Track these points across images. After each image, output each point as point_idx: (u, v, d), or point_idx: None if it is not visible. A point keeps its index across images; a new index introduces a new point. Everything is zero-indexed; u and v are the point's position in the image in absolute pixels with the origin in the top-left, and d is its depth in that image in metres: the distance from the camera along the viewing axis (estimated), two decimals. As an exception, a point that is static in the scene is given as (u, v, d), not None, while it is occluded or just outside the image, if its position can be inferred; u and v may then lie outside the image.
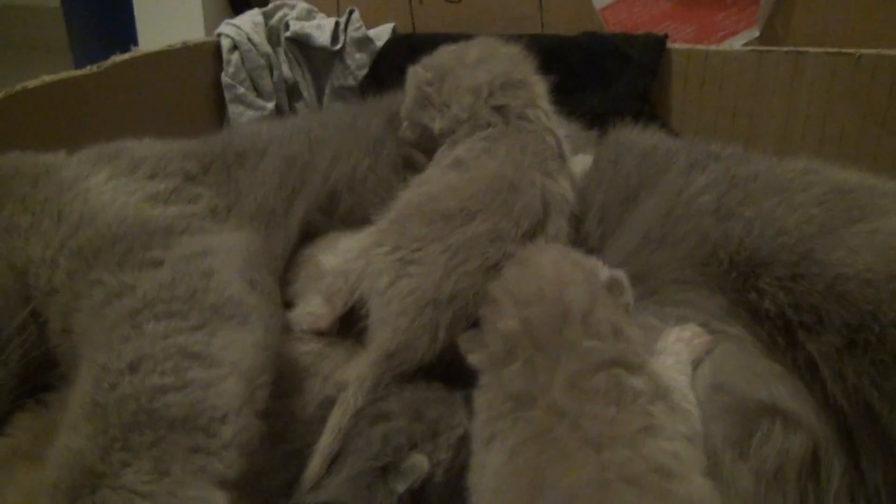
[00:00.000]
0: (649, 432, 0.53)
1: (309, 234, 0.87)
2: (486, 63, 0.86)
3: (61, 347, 0.69)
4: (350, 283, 0.73)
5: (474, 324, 0.68)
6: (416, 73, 0.88)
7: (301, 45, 1.32)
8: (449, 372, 0.70)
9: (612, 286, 0.64)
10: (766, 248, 0.68)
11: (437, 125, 0.86)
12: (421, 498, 0.62)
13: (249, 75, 1.30)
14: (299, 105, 1.35)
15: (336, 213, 0.89)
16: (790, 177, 0.74)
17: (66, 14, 1.98)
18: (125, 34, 1.54)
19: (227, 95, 1.29)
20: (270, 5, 1.38)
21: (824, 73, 1.10)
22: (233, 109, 1.28)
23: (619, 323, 0.61)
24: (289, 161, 0.87)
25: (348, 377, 0.69)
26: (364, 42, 1.31)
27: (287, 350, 0.71)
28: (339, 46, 1.30)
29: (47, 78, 1.00)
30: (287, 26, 1.32)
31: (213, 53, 1.29)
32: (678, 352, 0.66)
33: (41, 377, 0.70)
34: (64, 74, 1.03)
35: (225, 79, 1.28)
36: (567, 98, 0.90)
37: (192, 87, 1.27)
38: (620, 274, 0.66)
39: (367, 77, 1.31)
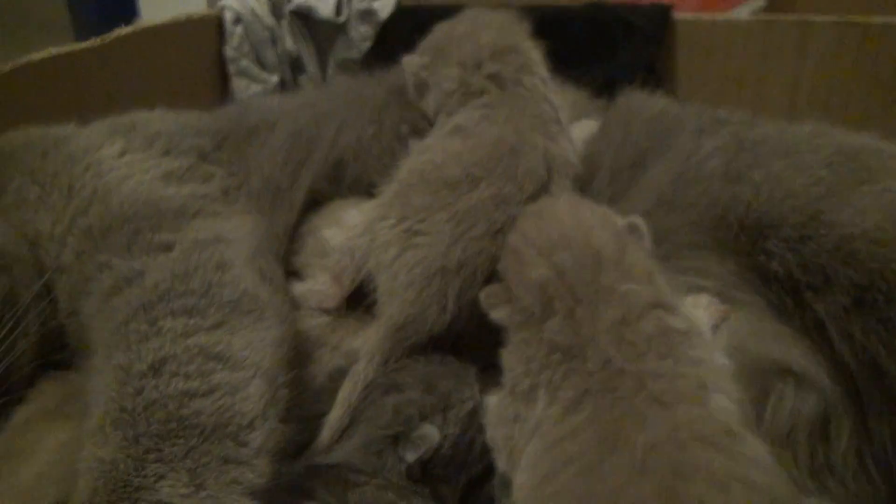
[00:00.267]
0: (705, 389, 0.52)
1: (315, 202, 0.87)
2: (474, 35, 0.86)
3: (70, 327, 0.69)
4: (356, 261, 0.73)
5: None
6: (410, 62, 0.89)
7: (305, 18, 1.31)
8: (459, 345, 0.70)
9: (633, 231, 0.64)
10: (774, 210, 0.68)
11: (430, 107, 0.86)
12: (427, 468, 0.62)
13: (253, 48, 1.29)
14: (303, 78, 1.34)
15: (343, 181, 0.89)
16: (798, 140, 0.74)
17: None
18: (126, 10, 1.53)
19: (231, 69, 1.28)
20: (273, -22, 1.37)
21: (831, 42, 1.09)
22: (237, 83, 1.28)
23: (650, 265, 0.60)
24: (295, 135, 0.87)
25: (358, 347, 0.69)
26: (368, 14, 1.30)
27: (297, 324, 0.71)
28: (342, 19, 1.30)
29: (54, 50, 0.99)
30: (290, -1, 1.32)
31: (216, 26, 1.29)
32: (697, 317, 0.65)
33: (59, 349, 0.70)
34: (68, 47, 1.02)
35: (229, 51, 1.28)
36: (572, 68, 0.89)
37: (196, 60, 1.26)
38: (639, 219, 0.65)
39: (371, 50, 1.30)
